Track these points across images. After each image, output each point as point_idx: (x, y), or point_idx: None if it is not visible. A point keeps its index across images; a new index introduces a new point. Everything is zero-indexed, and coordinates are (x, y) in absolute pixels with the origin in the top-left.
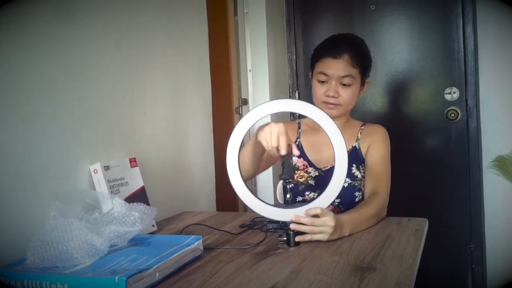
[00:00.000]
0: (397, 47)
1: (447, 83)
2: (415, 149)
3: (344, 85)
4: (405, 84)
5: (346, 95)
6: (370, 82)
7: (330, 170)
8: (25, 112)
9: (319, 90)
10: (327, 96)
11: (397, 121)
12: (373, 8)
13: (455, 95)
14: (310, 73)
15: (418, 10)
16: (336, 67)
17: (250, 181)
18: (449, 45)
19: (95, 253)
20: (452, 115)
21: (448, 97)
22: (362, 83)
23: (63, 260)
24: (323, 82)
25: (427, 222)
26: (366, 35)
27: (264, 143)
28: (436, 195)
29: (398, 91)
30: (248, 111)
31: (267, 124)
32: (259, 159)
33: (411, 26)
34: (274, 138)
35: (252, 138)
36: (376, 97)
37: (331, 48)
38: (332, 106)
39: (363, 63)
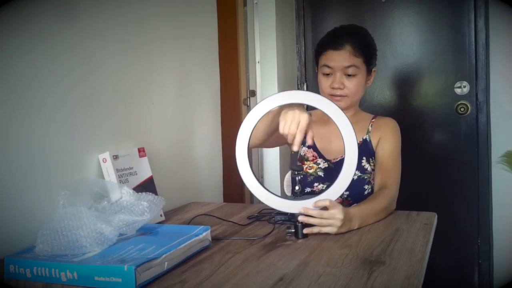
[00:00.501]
0: (407, 40)
1: (457, 77)
2: (424, 143)
3: (349, 75)
4: (415, 78)
5: (351, 86)
6: (380, 74)
7: (340, 162)
8: (34, 104)
9: (324, 83)
10: (333, 88)
11: (406, 114)
12: (383, 1)
13: (465, 89)
14: (316, 67)
15: (429, 3)
16: (339, 59)
17: (257, 172)
18: (460, 39)
19: (104, 242)
20: (462, 109)
21: (458, 91)
22: (369, 72)
23: (72, 248)
24: (328, 74)
25: (436, 216)
26: (376, 27)
27: (281, 126)
28: (444, 190)
29: (407, 84)
30: (256, 103)
31: (297, 108)
32: (273, 131)
33: (422, 19)
34: (293, 128)
35: (276, 110)
36: (385, 90)
37: (332, 40)
38: (339, 98)
39: (366, 52)
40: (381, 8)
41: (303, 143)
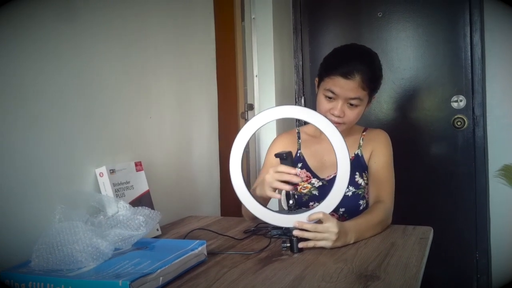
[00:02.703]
0: (404, 54)
1: (454, 91)
2: (421, 156)
3: (351, 105)
4: (412, 92)
5: (352, 115)
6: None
7: (333, 180)
8: (32, 116)
9: (324, 105)
10: (332, 114)
11: (403, 128)
12: (380, 15)
13: (462, 103)
14: (317, 80)
15: (425, 18)
16: (346, 88)
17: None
18: (457, 53)
19: (100, 257)
20: (459, 123)
21: (454, 105)
22: (369, 100)
23: (68, 262)
24: (330, 98)
25: (432, 230)
26: (373, 42)
27: (277, 196)
28: (441, 204)
29: (404, 99)
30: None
31: (262, 181)
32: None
33: (418, 33)
34: (282, 186)
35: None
36: (382, 104)
37: (343, 65)
38: (336, 125)
39: (374, 84)
40: (377, 22)
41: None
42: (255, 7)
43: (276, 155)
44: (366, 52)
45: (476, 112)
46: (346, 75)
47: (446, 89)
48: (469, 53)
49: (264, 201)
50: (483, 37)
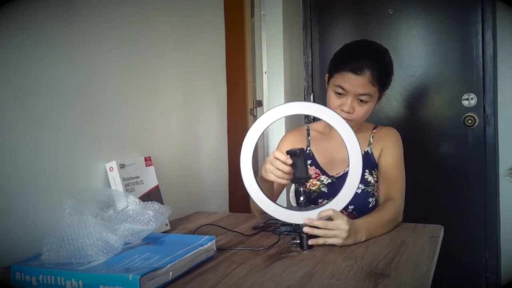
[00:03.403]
0: (414, 52)
1: (464, 89)
2: (431, 154)
3: (361, 101)
4: (422, 89)
5: (361, 112)
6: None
7: (343, 177)
8: (41, 111)
9: (334, 101)
10: (342, 110)
11: (413, 126)
12: (391, 12)
13: (473, 101)
14: (327, 76)
15: (436, 15)
16: (356, 84)
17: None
18: (468, 51)
19: (110, 251)
20: (469, 121)
21: (465, 103)
22: (380, 97)
23: (78, 256)
24: (339, 94)
25: (443, 229)
26: (383, 38)
27: (274, 177)
28: (451, 202)
29: (414, 96)
30: (263, 113)
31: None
32: (272, 190)
33: (429, 31)
34: (281, 168)
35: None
36: (392, 101)
37: (353, 61)
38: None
39: (384, 80)
40: (388, 19)
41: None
42: (265, 4)
43: (288, 152)
44: (376, 48)
45: (487, 111)
46: (356, 70)
47: (457, 87)
48: (480, 51)
49: (269, 188)
50: (495, 34)
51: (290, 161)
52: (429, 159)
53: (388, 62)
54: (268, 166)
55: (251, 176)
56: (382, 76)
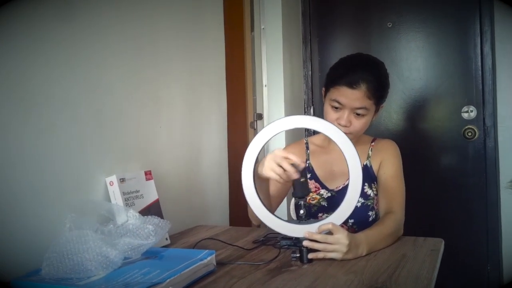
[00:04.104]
0: (414, 64)
1: (464, 102)
2: (431, 167)
3: (358, 114)
4: (422, 102)
5: (358, 125)
6: (387, 98)
7: (342, 190)
8: (42, 125)
9: (331, 116)
10: (339, 124)
11: (413, 139)
12: (389, 26)
13: (473, 114)
14: (323, 90)
15: (435, 28)
16: (352, 97)
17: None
18: (467, 63)
19: (109, 265)
20: (469, 134)
21: (465, 115)
22: (377, 109)
23: (78, 271)
24: (336, 108)
25: (443, 242)
26: (382, 52)
27: (273, 175)
28: (452, 215)
29: (414, 109)
30: (263, 126)
31: (263, 158)
32: (268, 192)
33: (428, 43)
34: (273, 165)
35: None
36: (392, 114)
37: (348, 75)
38: None
39: (380, 93)
40: (387, 32)
41: (301, 171)
42: (265, 18)
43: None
44: (372, 61)
45: (487, 123)
46: (351, 84)
47: (457, 100)
48: (479, 63)
49: (266, 190)
50: (493, 47)
51: (295, 160)
52: (430, 172)
53: (384, 74)
54: (271, 164)
55: (253, 190)
56: (378, 89)
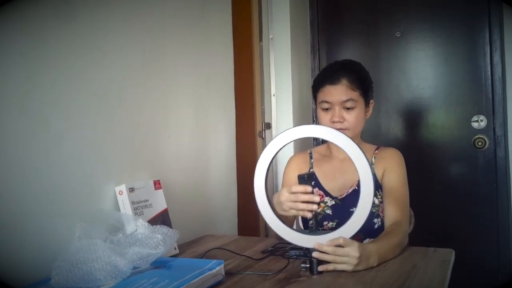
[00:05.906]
0: (422, 74)
1: (474, 111)
2: (441, 176)
3: (348, 108)
4: (431, 111)
5: (351, 118)
6: (396, 107)
7: (347, 198)
8: (51, 134)
9: (324, 118)
10: (333, 122)
11: (422, 148)
12: (398, 35)
13: (483, 123)
14: (314, 103)
15: (444, 37)
16: (336, 93)
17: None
18: (476, 72)
19: (118, 275)
20: (480, 143)
21: (475, 125)
22: (367, 104)
23: (87, 281)
24: (327, 109)
25: (454, 253)
26: (391, 61)
27: (301, 213)
28: (462, 224)
29: (423, 118)
30: (272, 136)
31: (278, 196)
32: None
33: (437, 52)
34: (299, 199)
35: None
36: (401, 123)
37: (328, 75)
38: (342, 131)
39: (362, 85)
40: (396, 41)
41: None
42: (273, 28)
43: (300, 177)
44: (348, 61)
45: (497, 132)
46: (332, 81)
47: (466, 109)
48: (489, 73)
49: (291, 223)
50: (503, 56)
51: (310, 188)
52: (439, 181)
53: (362, 68)
54: (288, 204)
55: (265, 199)
56: (360, 80)
